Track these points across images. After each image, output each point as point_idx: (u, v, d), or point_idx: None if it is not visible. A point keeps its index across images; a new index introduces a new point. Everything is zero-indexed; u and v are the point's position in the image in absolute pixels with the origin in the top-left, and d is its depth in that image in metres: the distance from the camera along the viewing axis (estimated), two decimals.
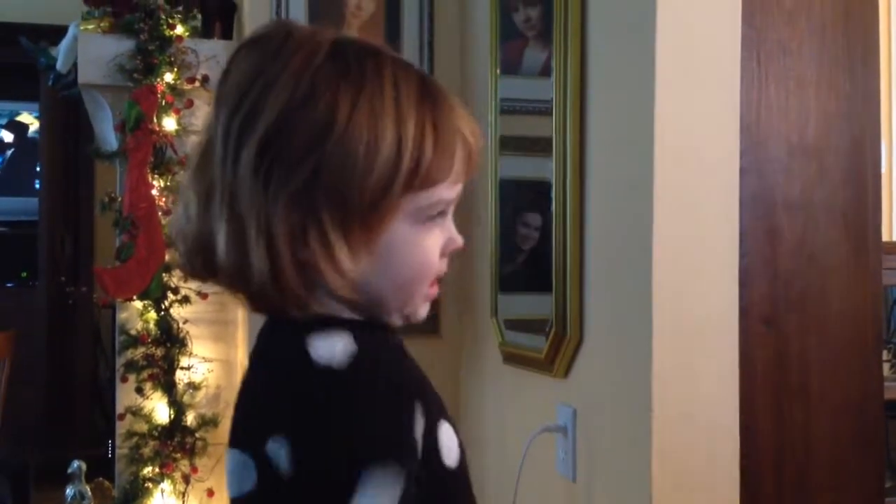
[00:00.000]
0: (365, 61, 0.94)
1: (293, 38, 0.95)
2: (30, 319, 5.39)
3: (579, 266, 1.85)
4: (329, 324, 0.93)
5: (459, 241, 1.01)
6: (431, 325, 2.50)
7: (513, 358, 2.17)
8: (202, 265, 0.98)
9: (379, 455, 0.85)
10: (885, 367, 2.79)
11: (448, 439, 0.95)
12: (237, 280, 0.95)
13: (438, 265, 0.99)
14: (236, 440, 0.97)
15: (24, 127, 5.98)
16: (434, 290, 1.01)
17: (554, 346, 1.91)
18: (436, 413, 0.94)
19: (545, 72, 2.01)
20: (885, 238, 1.85)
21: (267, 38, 0.96)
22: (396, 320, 1.00)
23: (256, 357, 1.01)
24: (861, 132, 1.74)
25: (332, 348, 0.90)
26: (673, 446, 1.62)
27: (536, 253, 2.06)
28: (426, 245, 0.97)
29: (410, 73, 0.97)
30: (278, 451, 0.87)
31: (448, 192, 0.96)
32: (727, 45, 1.66)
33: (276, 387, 0.93)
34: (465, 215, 2.41)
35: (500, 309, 2.24)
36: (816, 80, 1.72)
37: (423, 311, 1.01)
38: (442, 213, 0.98)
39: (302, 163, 0.89)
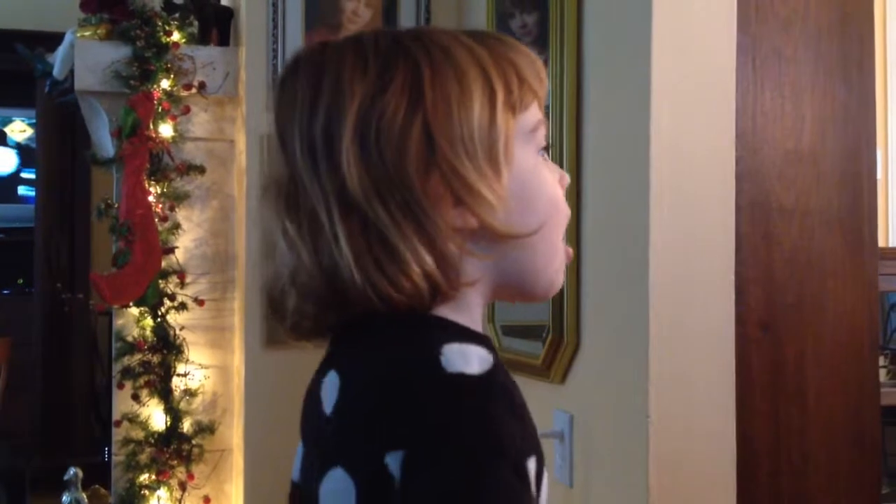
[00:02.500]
0: (411, 29, 0.93)
1: (330, 46, 0.92)
2: (26, 326, 5.39)
3: (576, 272, 1.85)
4: (461, 335, 0.87)
5: (566, 177, 0.97)
6: None
7: (510, 364, 2.15)
8: (336, 310, 0.89)
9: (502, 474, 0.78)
10: (882, 372, 2.79)
11: (546, 487, 0.89)
12: (379, 302, 0.85)
13: (565, 207, 0.96)
14: (333, 454, 0.86)
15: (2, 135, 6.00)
16: (566, 250, 0.96)
17: (551, 352, 1.91)
18: (542, 458, 0.88)
19: None
20: (880, 244, 1.85)
21: (303, 59, 0.93)
22: (543, 288, 0.95)
23: (364, 361, 0.89)
24: (856, 138, 1.75)
25: (466, 356, 0.83)
26: (670, 452, 1.62)
27: None
28: (547, 176, 0.94)
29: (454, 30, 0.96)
30: (395, 464, 0.79)
31: (538, 111, 0.94)
32: (723, 52, 1.66)
33: (396, 395, 0.83)
34: None
35: (496, 315, 2.24)
36: (812, 87, 1.73)
37: (562, 273, 0.97)
38: (543, 143, 0.95)
39: (409, 128, 0.85)
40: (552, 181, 0.94)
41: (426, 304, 0.87)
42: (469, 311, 0.92)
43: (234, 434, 2.94)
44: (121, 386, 2.82)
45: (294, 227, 0.88)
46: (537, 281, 0.94)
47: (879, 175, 2.22)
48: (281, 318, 0.93)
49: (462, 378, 0.81)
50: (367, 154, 0.85)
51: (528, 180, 0.91)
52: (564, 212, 0.95)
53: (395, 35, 0.91)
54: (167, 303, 2.80)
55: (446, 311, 0.89)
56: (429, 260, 0.84)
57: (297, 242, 0.88)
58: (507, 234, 0.88)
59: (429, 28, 0.95)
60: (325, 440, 0.89)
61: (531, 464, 0.82)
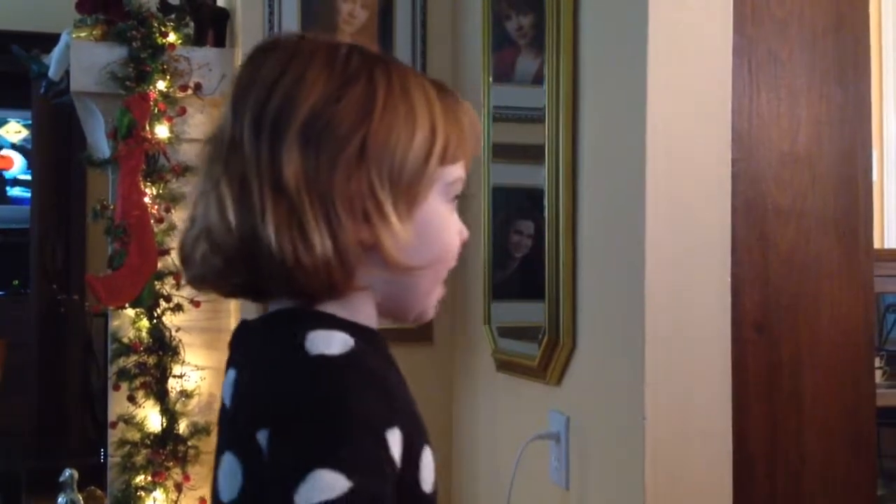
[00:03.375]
0: (383, 56, 1.02)
1: (307, 39, 1.00)
2: (21, 328, 5.38)
3: (572, 273, 1.85)
4: (331, 324, 0.95)
5: (465, 231, 1.07)
6: (424, 333, 2.50)
7: (506, 365, 2.17)
8: (246, 273, 0.96)
9: (349, 454, 0.84)
10: (878, 374, 2.80)
11: (428, 464, 0.96)
12: (284, 277, 0.93)
13: (454, 257, 1.06)
14: (227, 441, 0.96)
15: None
16: (442, 290, 1.06)
17: (547, 354, 1.91)
18: (420, 436, 0.95)
19: (537, 80, 2.01)
20: (876, 245, 1.85)
21: (280, 43, 1.01)
22: (414, 316, 1.05)
23: (250, 355, 0.99)
24: (852, 140, 1.75)
25: (329, 339, 0.91)
26: (666, 453, 1.62)
27: (529, 260, 2.06)
28: (450, 224, 1.04)
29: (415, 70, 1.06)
30: (262, 441, 0.87)
31: (462, 169, 1.04)
32: (719, 54, 1.66)
33: (264, 377, 0.93)
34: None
35: (492, 316, 2.25)
36: (807, 89, 1.73)
37: (434, 309, 1.06)
38: (455, 194, 1.04)
39: (349, 140, 0.94)
40: (453, 230, 1.04)
41: (319, 291, 0.94)
42: (355, 310, 0.99)
43: None
44: (116, 387, 2.82)
45: (226, 187, 0.95)
46: (411, 308, 1.04)
47: (875, 177, 2.22)
48: (187, 266, 1.01)
49: (321, 358, 0.90)
50: (307, 150, 0.93)
51: (433, 223, 1.01)
52: (452, 261, 1.06)
53: (368, 56, 1.00)
54: (163, 304, 2.79)
55: (334, 308, 0.97)
56: (330, 250, 0.92)
57: (223, 201, 0.95)
58: (396, 263, 0.96)
59: (401, 65, 1.04)
60: (220, 431, 1.00)
61: (392, 436, 0.88)
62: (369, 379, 0.91)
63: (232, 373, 1.00)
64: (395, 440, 0.88)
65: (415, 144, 0.97)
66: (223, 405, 1.01)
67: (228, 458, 0.93)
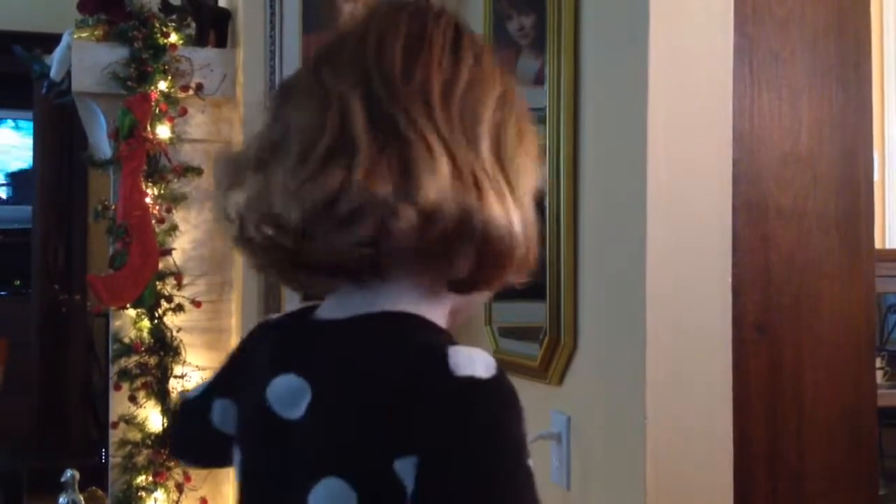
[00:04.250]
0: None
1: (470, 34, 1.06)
2: (23, 328, 5.39)
3: (573, 273, 1.85)
4: (443, 333, 0.91)
5: None
6: None
7: (507, 365, 2.15)
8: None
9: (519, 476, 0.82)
10: (879, 374, 2.80)
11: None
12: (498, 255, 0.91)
13: None
14: (332, 466, 0.85)
15: None
16: None
17: (548, 354, 1.91)
18: None
19: (539, 80, 2.01)
20: (877, 245, 1.85)
21: (447, 13, 1.05)
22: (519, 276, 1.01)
23: (340, 364, 0.90)
24: (853, 140, 1.75)
25: (472, 360, 0.85)
26: (667, 453, 1.62)
27: None
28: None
29: None
30: (406, 470, 0.80)
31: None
32: (719, 54, 1.66)
33: (403, 399, 0.82)
34: None
35: (494, 316, 2.24)
36: (808, 89, 1.73)
37: None
38: None
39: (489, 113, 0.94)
40: None
41: (516, 271, 0.96)
42: (441, 312, 0.96)
43: None
44: (118, 387, 2.82)
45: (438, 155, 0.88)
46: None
47: (876, 177, 2.22)
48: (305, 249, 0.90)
49: (473, 382, 0.83)
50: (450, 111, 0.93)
51: (529, 196, 1.01)
52: None
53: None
54: (164, 304, 2.80)
55: (425, 310, 0.92)
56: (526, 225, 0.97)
57: (430, 173, 0.87)
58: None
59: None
60: (301, 448, 0.90)
61: (531, 460, 0.86)
62: (515, 401, 0.87)
63: (293, 379, 0.92)
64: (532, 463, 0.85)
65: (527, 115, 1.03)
66: (269, 411, 0.94)
67: (334, 484, 0.84)
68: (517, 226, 0.91)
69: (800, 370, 1.71)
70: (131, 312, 2.81)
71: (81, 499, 3.02)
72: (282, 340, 1.00)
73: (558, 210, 1.88)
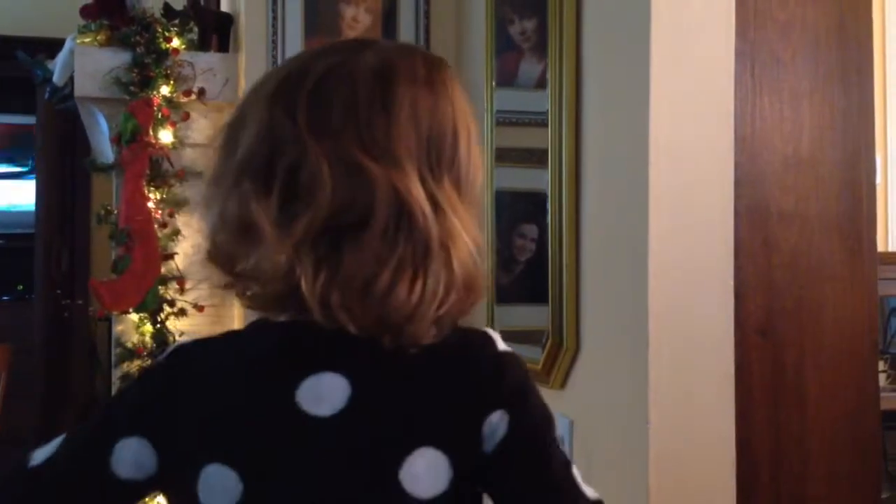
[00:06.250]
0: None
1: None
2: (26, 333, 5.38)
3: (576, 277, 1.85)
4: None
5: None
6: None
7: None
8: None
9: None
10: (882, 377, 2.79)
11: None
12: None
13: None
14: (414, 440, 0.98)
15: None
16: None
17: (551, 357, 1.91)
18: None
19: (541, 84, 2.01)
20: (879, 248, 1.85)
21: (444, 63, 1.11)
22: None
23: (415, 363, 1.01)
24: (855, 144, 1.75)
25: (499, 339, 1.04)
26: (670, 457, 1.62)
27: (533, 264, 2.06)
28: None
29: None
30: (498, 423, 0.99)
31: None
32: (721, 58, 1.66)
33: (477, 371, 1.01)
34: None
35: (496, 320, 2.24)
36: (810, 93, 1.73)
37: None
38: None
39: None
40: None
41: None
42: None
43: None
44: None
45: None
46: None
47: (879, 180, 2.22)
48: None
49: (511, 354, 1.03)
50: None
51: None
52: None
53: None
54: (167, 309, 2.80)
55: None
56: (474, 253, 1.04)
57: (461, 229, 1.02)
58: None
59: None
60: (359, 436, 0.99)
61: None
62: None
63: (334, 377, 0.99)
64: None
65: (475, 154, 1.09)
66: (300, 413, 0.98)
67: (427, 454, 0.97)
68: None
69: (802, 373, 1.71)
70: (134, 317, 2.81)
71: None
72: (320, 346, 1.02)
73: (560, 213, 1.88)
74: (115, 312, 2.85)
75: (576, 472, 1.07)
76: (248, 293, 1.04)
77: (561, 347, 1.89)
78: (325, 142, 0.98)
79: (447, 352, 1.01)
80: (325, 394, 0.99)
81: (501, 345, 1.03)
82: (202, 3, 3.02)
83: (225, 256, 1.04)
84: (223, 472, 0.98)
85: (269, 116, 1.01)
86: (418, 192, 0.98)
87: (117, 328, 2.88)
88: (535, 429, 1.02)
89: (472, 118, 1.07)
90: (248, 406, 1.01)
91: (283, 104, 1.01)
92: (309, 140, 0.98)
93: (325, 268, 0.97)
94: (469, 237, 1.01)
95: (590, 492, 1.09)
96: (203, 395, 1.02)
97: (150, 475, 1.02)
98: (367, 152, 0.98)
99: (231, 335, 1.11)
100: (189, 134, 2.85)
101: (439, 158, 1.02)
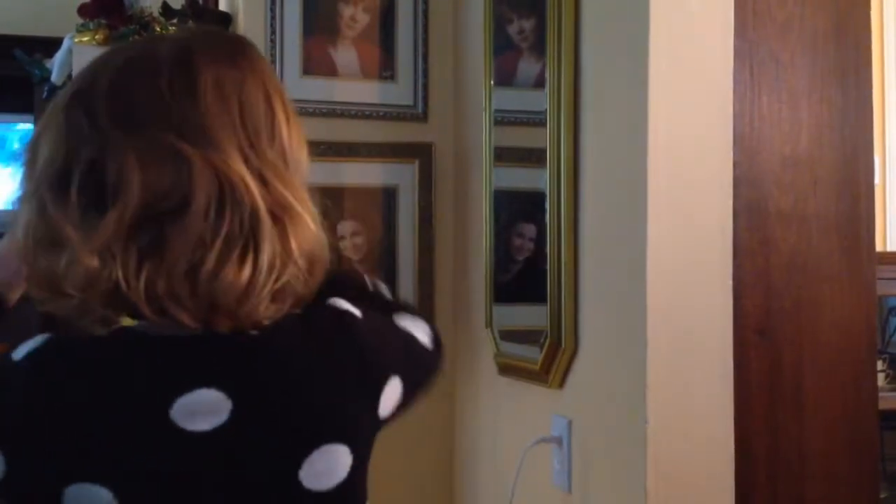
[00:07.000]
0: None
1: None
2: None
3: (574, 276, 1.85)
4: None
5: None
6: None
7: (508, 369, 2.17)
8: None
9: None
10: (880, 377, 2.79)
11: None
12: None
13: None
14: (328, 434, 1.01)
15: None
16: None
17: (549, 357, 1.91)
18: None
19: (539, 83, 2.01)
20: (878, 248, 1.85)
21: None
22: None
23: (297, 348, 1.02)
24: (853, 143, 1.75)
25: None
26: (668, 457, 1.62)
27: (531, 263, 2.06)
28: None
29: None
30: (394, 390, 1.06)
31: None
32: (720, 57, 1.66)
33: (353, 353, 1.05)
34: (459, 225, 2.42)
35: (494, 319, 2.24)
36: (809, 92, 1.73)
37: None
38: None
39: None
40: None
41: None
42: None
43: None
44: None
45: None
46: None
47: (877, 180, 2.22)
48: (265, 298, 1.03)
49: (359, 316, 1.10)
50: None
51: None
52: None
53: None
54: None
55: None
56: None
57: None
58: None
59: None
60: (242, 446, 0.98)
61: None
62: None
63: (209, 392, 0.96)
64: None
65: None
66: (181, 431, 0.95)
67: (327, 451, 1.00)
68: None
69: (800, 373, 1.71)
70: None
71: None
72: (166, 358, 0.98)
73: (559, 213, 1.88)
74: None
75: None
76: (73, 307, 0.97)
77: (559, 347, 1.89)
78: (131, 133, 0.95)
79: (315, 343, 1.02)
80: (201, 410, 0.96)
81: (349, 307, 1.06)
82: (200, 2, 3.01)
83: (47, 278, 0.98)
84: (94, 491, 0.93)
85: (64, 121, 0.98)
86: (239, 167, 0.95)
87: None
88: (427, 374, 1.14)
89: (285, 95, 1.04)
90: (118, 424, 0.95)
91: (80, 107, 0.98)
92: (112, 134, 0.95)
93: (148, 259, 0.93)
94: (305, 209, 0.99)
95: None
96: (66, 412, 0.95)
97: None
98: (179, 136, 0.95)
99: (92, 344, 1.00)
100: None
101: (257, 133, 0.99)
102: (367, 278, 1.20)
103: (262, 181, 0.96)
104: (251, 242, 0.94)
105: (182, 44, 1.03)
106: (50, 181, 0.96)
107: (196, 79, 0.98)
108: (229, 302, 0.94)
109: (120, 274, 0.92)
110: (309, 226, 0.99)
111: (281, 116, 1.02)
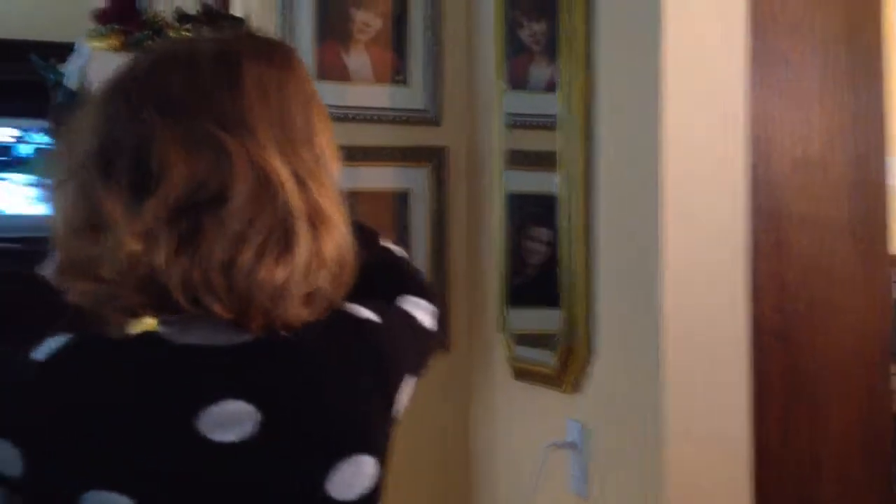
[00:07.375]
0: None
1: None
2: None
3: (587, 280, 1.85)
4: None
5: None
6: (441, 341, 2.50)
7: (522, 373, 2.17)
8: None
9: None
10: (894, 379, 2.78)
11: None
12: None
13: None
14: (348, 448, 1.01)
15: None
16: None
17: (563, 361, 1.91)
18: None
19: (551, 86, 2.01)
20: (892, 251, 1.85)
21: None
22: None
23: (319, 360, 1.03)
24: (866, 145, 1.75)
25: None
26: (685, 461, 1.62)
27: (545, 267, 2.06)
28: None
29: None
30: (407, 389, 1.10)
31: None
32: (733, 59, 1.66)
33: (374, 360, 1.07)
34: (472, 229, 2.42)
35: (509, 324, 2.25)
36: (821, 94, 1.73)
37: None
38: None
39: None
40: None
41: None
42: None
43: None
44: None
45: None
46: None
47: (892, 182, 2.21)
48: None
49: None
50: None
51: None
52: None
53: None
54: None
55: None
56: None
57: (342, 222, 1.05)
58: None
59: None
60: (272, 457, 0.98)
61: None
62: None
63: (237, 404, 0.95)
64: None
65: None
66: (209, 442, 0.94)
67: (354, 462, 1.00)
68: None
69: (816, 376, 1.71)
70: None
71: None
72: (192, 366, 0.97)
73: (571, 216, 1.89)
74: None
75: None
76: (102, 293, 0.96)
77: (573, 351, 1.89)
78: (173, 122, 0.95)
79: (339, 353, 1.03)
80: (228, 421, 0.95)
81: (369, 314, 1.07)
82: (214, 7, 3.03)
83: (82, 264, 0.97)
84: (113, 498, 0.92)
85: (105, 111, 0.98)
86: (276, 163, 0.95)
87: None
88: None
89: (322, 103, 1.06)
90: (140, 431, 0.94)
91: (121, 97, 0.99)
92: (154, 123, 0.95)
93: (186, 247, 0.92)
94: (338, 213, 0.99)
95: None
96: (86, 416, 0.94)
97: (9, 476, 0.94)
98: (219, 126, 0.95)
99: (115, 347, 0.99)
100: None
101: (294, 134, 0.99)
102: (380, 239, 1.24)
103: (299, 181, 0.96)
104: (287, 242, 0.94)
105: (226, 41, 1.04)
106: (95, 165, 0.97)
107: (239, 73, 0.99)
108: (264, 300, 0.94)
109: (161, 259, 0.92)
110: (342, 230, 0.99)
111: (317, 122, 1.03)
